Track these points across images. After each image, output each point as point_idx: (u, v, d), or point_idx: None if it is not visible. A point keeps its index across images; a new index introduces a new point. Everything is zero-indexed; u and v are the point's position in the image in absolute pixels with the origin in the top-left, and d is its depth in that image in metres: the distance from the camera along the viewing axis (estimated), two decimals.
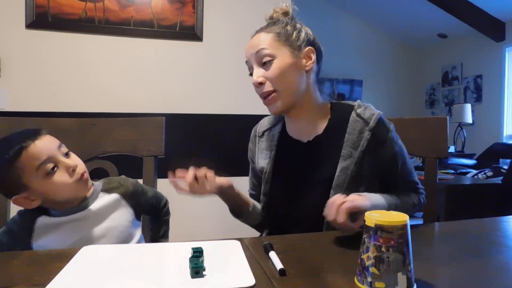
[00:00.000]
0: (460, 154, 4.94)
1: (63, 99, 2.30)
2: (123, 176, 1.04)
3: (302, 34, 1.02)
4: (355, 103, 1.05)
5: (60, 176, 0.85)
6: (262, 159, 1.11)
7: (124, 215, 0.97)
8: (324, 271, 0.67)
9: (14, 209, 1.09)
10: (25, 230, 0.90)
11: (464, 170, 3.67)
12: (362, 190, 0.95)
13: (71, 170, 0.87)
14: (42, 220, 0.90)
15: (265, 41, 0.99)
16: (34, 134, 0.85)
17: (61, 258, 0.71)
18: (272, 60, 0.97)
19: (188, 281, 0.61)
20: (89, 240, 0.90)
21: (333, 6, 5.82)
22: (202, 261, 0.65)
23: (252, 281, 0.60)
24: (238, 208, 1.09)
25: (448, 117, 1.25)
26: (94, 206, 0.93)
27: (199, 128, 2.50)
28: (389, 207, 0.93)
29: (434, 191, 1.22)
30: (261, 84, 0.99)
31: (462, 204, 2.55)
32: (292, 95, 1.00)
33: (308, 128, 1.05)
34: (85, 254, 0.74)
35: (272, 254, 0.70)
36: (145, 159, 1.22)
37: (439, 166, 1.29)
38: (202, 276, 0.62)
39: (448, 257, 0.76)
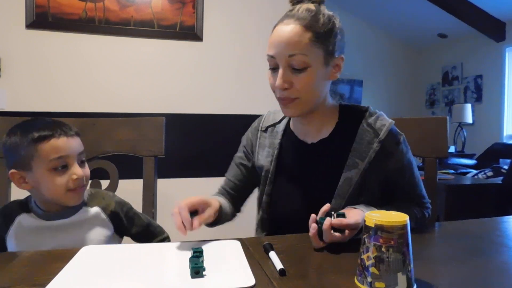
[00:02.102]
0: (460, 154, 4.94)
1: (63, 99, 2.30)
2: (110, 193, 1.03)
3: (338, 38, 0.93)
4: (367, 109, 1.00)
5: (62, 178, 0.87)
6: (263, 156, 1.07)
7: (101, 230, 0.95)
8: (324, 271, 0.67)
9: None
10: (3, 223, 0.91)
11: (464, 170, 3.67)
12: (362, 200, 0.93)
13: (74, 178, 0.87)
14: (23, 219, 0.91)
15: (302, 43, 0.86)
16: (69, 130, 0.89)
17: (61, 258, 0.71)
18: (305, 68, 0.88)
19: (188, 281, 0.61)
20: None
21: (333, 6, 5.81)
22: (202, 261, 0.65)
23: (252, 281, 0.60)
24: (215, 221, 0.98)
25: (448, 117, 1.25)
26: (74, 218, 0.92)
27: (199, 128, 2.50)
28: None
29: (434, 191, 1.22)
30: (285, 89, 0.90)
31: (462, 204, 2.55)
32: (313, 103, 0.94)
33: (315, 130, 1.01)
34: (85, 254, 0.74)
35: (272, 254, 0.70)
36: (145, 159, 1.22)
37: (439, 166, 1.28)
38: (202, 276, 0.62)
39: (448, 257, 0.76)
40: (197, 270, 0.62)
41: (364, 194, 0.95)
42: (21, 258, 0.74)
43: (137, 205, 1.19)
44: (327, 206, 0.83)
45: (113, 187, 1.22)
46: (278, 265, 0.65)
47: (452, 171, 3.51)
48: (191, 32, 2.45)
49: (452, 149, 5.19)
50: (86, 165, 0.94)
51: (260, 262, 0.69)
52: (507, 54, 5.02)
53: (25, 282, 0.61)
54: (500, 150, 4.33)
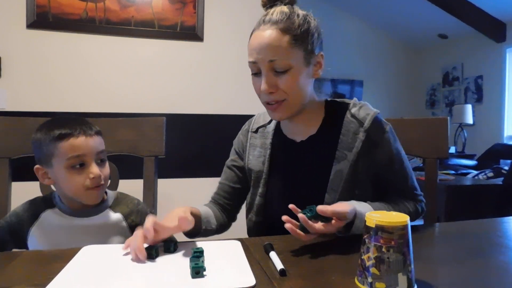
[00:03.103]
0: (461, 154, 4.94)
1: (64, 99, 2.30)
2: (135, 201, 1.02)
3: (316, 36, 0.94)
4: (351, 102, 1.02)
5: (79, 176, 0.88)
6: (254, 156, 1.07)
7: (120, 238, 0.94)
8: (324, 271, 0.67)
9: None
10: (28, 218, 0.92)
11: (464, 171, 3.67)
12: (356, 194, 0.93)
13: (91, 177, 0.88)
14: (47, 215, 0.93)
15: (282, 48, 0.88)
16: (89, 129, 0.91)
17: (61, 258, 0.71)
18: (288, 70, 0.89)
19: (188, 281, 0.61)
20: None
21: (333, 6, 5.82)
22: (203, 261, 0.65)
23: (252, 281, 0.60)
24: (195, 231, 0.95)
25: (448, 117, 1.25)
26: (96, 219, 0.94)
27: (199, 128, 2.50)
28: None
29: (434, 191, 1.22)
30: (271, 93, 0.91)
31: (462, 205, 2.55)
32: (300, 104, 0.95)
33: (303, 127, 1.02)
34: (85, 254, 0.74)
35: (273, 255, 0.70)
36: (145, 159, 1.22)
37: (439, 167, 1.28)
38: (203, 276, 0.62)
39: (449, 258, 0.76)
40: (197, 270, 0.62)
41: (358, 187, 0.95)
42: (22, 257, 0.74)
43: None
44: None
45: (113, 187, 1.22)
46: (279, 265, 0.65)
47: (453, 171, 3.51)
48: (191, 32, 2.45)
49: (452, 149, 5.18)
50: (107, 164, 0.95)
51: (260, 262, 0.69)
52: (507, 54, 5.02)
53: (25, 282, 0.61)
54: (500, 151, 4.33)
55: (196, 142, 2.49)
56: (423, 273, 0.63)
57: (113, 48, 2.37)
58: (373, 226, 0.57)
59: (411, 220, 0.88)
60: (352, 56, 6.02)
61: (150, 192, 1.22)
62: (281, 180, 1.03)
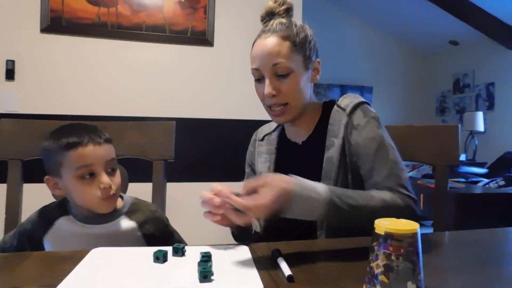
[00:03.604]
0: (472, 162, 4.88)
1: (75, 102, 2.33)
2: (152, 208, 1.01)
3: (313, 44, 1.00)
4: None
5: (90, 187, 0.86)
6: (261, 162, 1.11)
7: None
8: (332, 278, 0.66)
9: (24, 214, 1.10)
10: (43, 226, 0.92)
11: (475, 179, 3.62)
12: (350, 180, 0.95)
13: (102, 187, 0.87)
14: (61, 223, 0.92)
15: (283, 52, 0.94)
16: (98, 138, 0.88)
17: (71, 259, 0.72)
18: (289, 73, 0.95)
19: (196, 285, 0.61)
20: None
21: (342, 12, 5.82)
22: (211, 266, 0.65)
23: (260, 286, 0.60)
24: (246, 232, 0.98)
25: (459, 125, 1.24)
26: (111, 227, 0.93)
27: (208, 132, 2.51)
28: (329, 199, 0.79)
29: (444, 199, 1.21)
30: (274, 96, 0.97)
31: (473, 214, 2.52)
32: (301, 107, 1.00)
33: (303, 129, 1.07)
34: (94, 256, 0.74)
35: (281, 260, 0.70)
36: (154, 163, 1.23)
37: (449, 175, 1.27)
38: (210, 281, 0.62)
39: (459, 267, 0.75)
40: (205, 275, 0.62)
41: (351, 172, 0.96)
42: (32, 259, 0.75)
43: None
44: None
45: (123, 190, 1.23)
46: (287, 271, 0.65)
47: (463, 179, 3.46)
48: (202, 37, 2.47)
49: (463, 157, 5.13)
50: (118, 173, 0.93)
51: (268, 268, 0.69)
52: None
53: (35, 283, 0.62)
54: None
55: (205, 146, 2.50)
56: (432, 282, 0.62)
57: (124, 53, 2.40)
58: (382, 233, 0.56)
59: (392, 214, 0.74)
60: (361, 62, 6.01)
61: (159, 195, 1.22)
62: None
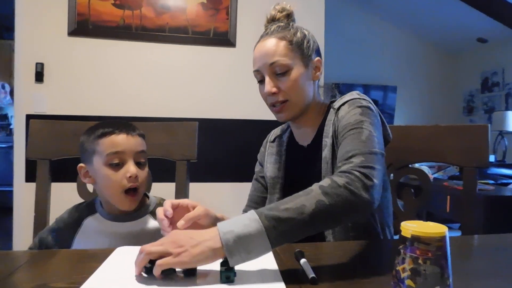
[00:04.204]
0: (501, 163, 4.71)
1: (100, 103, 2.38)
2: None
3: (311, 43, 1.02)
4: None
5: (116, 174, 0.90)
6: (271, 164, 1.12)
7: None
8: (356, 281, 0.65)
9: (52, 212, 1.13)
10: (73, 225, 0.96)
11: (505, 181, 3.50)
12: None
13: (128, 175, 0.89)
14: (89, 222, 0.96)
15: (279, 50, 0.97)
16: (131, 130, 0.94)
17: (96, 258, 0.73)
18: (287, 71, 0.97)
19: (218, 286, 0.61)
20: None
21: (365, 12, 5.74)
22: (233, 267, 0.65)
23: (282, 287, 0.59)
24: None
25: (489, 124, 1.20)
26: (136, 225, 0.95)
27: (231, 133, 2.52)
28: (260, 214, 0.66)
29: (473, 202, 1.17)
30: (274, 94, 0.98)
31: (503, 217, 2.43)
32: (302, 105, 1.01)
33: (309, 132, 1.07)
34: (119, 254, 0.76)
35: (303, 262, 0.69)
36: (177, 163, 1.24)
37: (478, 176, 1.23)
38: (233, 281, 0.62)
39: (489, 272, 0.73)
40: (227, 276, 0.62)
41: None
42: (59, 256, 0.77)
43: None
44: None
45: (147, 190, 1.25)
46: (310, 273, 0.64)
47: (492, 181, 3.35)
48: (224, 38, 2.48)
49: (492, 158, 4.96)
50: (146, 168, 0.96)
51: (291, 270, 0.68)
52: None
53: (63, 280, 0.63)
54: None
55: (227, 146, 2.51)
56: (461, 287, 0.60)
57: (148, 54, 2.43)
58: (409, 236, 0.55)
59: (333, 197, 0.67)
60: (385, 61, 5.90)
61: (182, 195, 1.23)
62: (295, 184, 1.04)
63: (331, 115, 1.00)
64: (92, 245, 0.92)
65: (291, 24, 1.03)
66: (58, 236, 0.96)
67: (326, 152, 0.97)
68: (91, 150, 0.91)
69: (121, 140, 0.90)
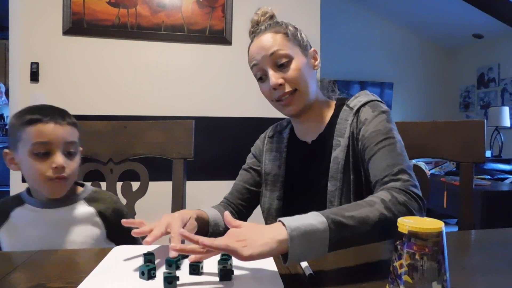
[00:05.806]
0: (497, 159, 4.74)
1: (96, 102, 2.37)
2: (114, 198, 1.01)
3: (303, 35, 1.02)
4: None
5: (42, 165, 0.86)
6: (270, 160, 1.10)
7: (91, 232, 0.94)
8: (354, 278, 0.65)
9: None
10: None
11: (501, 176, 3.52)
12: (352, 179, 0.92)
13: (53, 166, 0.86)
14: (17, 213, 0.92)
15: (278, 41, 0.96)
16: (61, 119, 0.89)
17: (94, 257, 0.73)
18: (289, 60, 0.95)
19: (216, 284, 0.61)
20: (53, 247, 0.88)
21: (361, 9, 5.74)
22: (231, 264, 0.65)
23: (280, 286, 0.59)
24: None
25: (485, 120, 1.20)
26: (67, 212, 0.92)
27: (227, 131, 2.52)
28: (327, 217, 0.66)
29: (470, 197, 1.17)
30: (280, 85, 0.95)
31: (499, 212, 2.44)
32: (310, 94, 0.99)
33: (313, 128, 1.04)
34: (116, 254, 0.75)
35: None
36: (174, 162, 1.24)
37: (474, 172, 1.24)
38: (231, 279, 0.62)
39: (487, 267, 0.73)
40: (226, 273, 0.62)
41: (354, 173, 0.93)
42: (57, 256, 0.77)
43: (167, 207, 1.21)
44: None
45: (143, 188, 1.25)
46: (308, 270, 0.64)
47: (489, 176, 3.37)
48: (220, 36, 2.48)
49: (488, 153, 4.99)
50: (76, 158, 0.92)
51: (289, 268, 0.68)
52: None
53: (59, 280, 0.63)
54: None
55: (224, 145, 2.51)
56: (458, 283, 0.60)
57: (144, 53, 2.43)
58: (406, 232, 0.55)
59: (396, 209, 0.71)
60: (381, 58, 5.91)
61: (179, 194, 1.23)
62: (298, 181, 1.05)
63: (346, 114, 0.98)
64: (24, 236, 0.90)
65: (280, 21, 1.03)
66: None
67: (338, 152, 0.95)
68: (16, 136, 0.87)
69: (48, 129, 0.86)
